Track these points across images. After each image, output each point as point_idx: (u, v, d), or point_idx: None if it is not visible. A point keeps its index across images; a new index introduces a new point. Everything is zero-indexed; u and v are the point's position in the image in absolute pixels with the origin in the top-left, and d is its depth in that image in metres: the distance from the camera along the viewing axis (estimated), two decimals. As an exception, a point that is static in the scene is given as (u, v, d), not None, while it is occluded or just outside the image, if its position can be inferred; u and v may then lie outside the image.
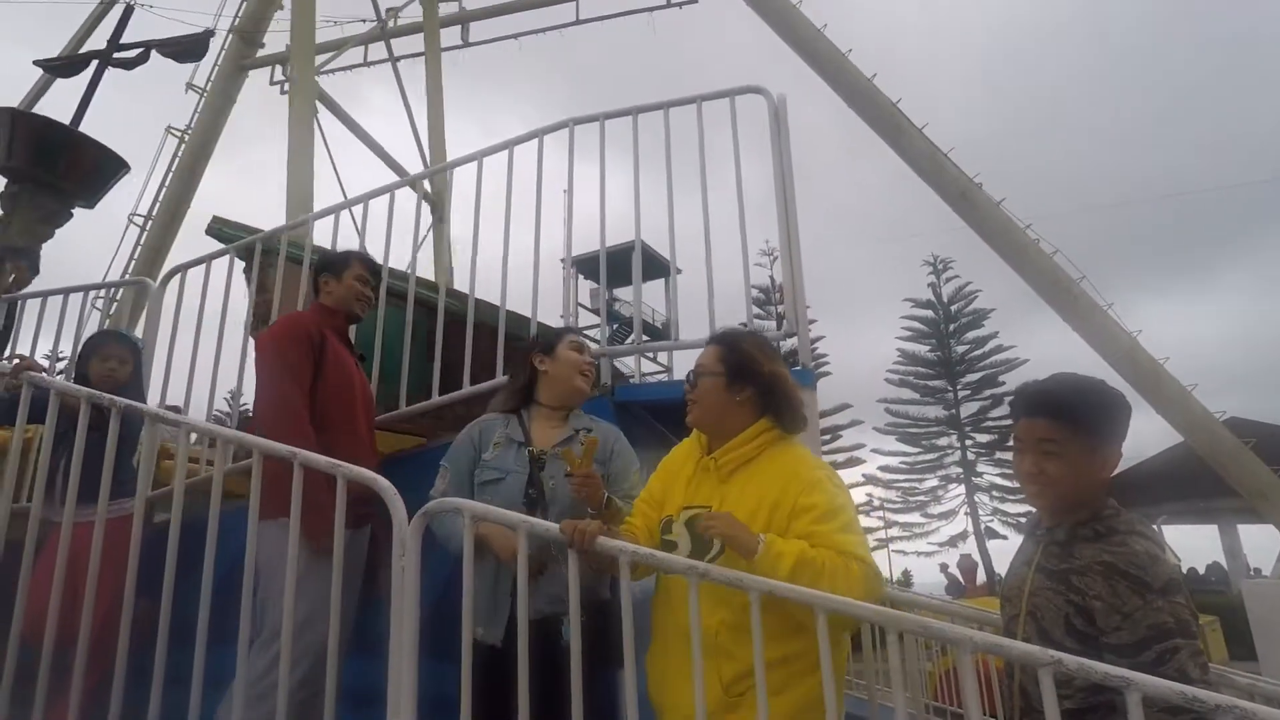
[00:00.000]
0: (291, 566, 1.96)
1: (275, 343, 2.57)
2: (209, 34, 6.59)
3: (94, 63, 6.31)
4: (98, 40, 12.21)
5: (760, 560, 1.59)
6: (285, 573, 1.98)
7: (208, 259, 3.75)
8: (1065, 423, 1.57)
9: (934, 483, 30.99)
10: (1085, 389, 1.61)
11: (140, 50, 6.33)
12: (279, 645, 1.97)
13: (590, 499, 2.02)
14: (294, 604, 1.96)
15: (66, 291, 4.18)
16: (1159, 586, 1.40)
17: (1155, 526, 14.24)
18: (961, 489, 30.10)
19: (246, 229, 3.89)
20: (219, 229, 3.92)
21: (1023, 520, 27.43)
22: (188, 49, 6.62)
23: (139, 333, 3.90)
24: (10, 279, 3.85)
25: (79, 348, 3.35)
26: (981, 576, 18.18)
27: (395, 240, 3.59)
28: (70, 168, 5.40)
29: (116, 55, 6.26)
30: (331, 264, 2.91)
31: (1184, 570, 15.41)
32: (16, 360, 2.64)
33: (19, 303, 3.90)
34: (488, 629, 1.99)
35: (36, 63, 7.27)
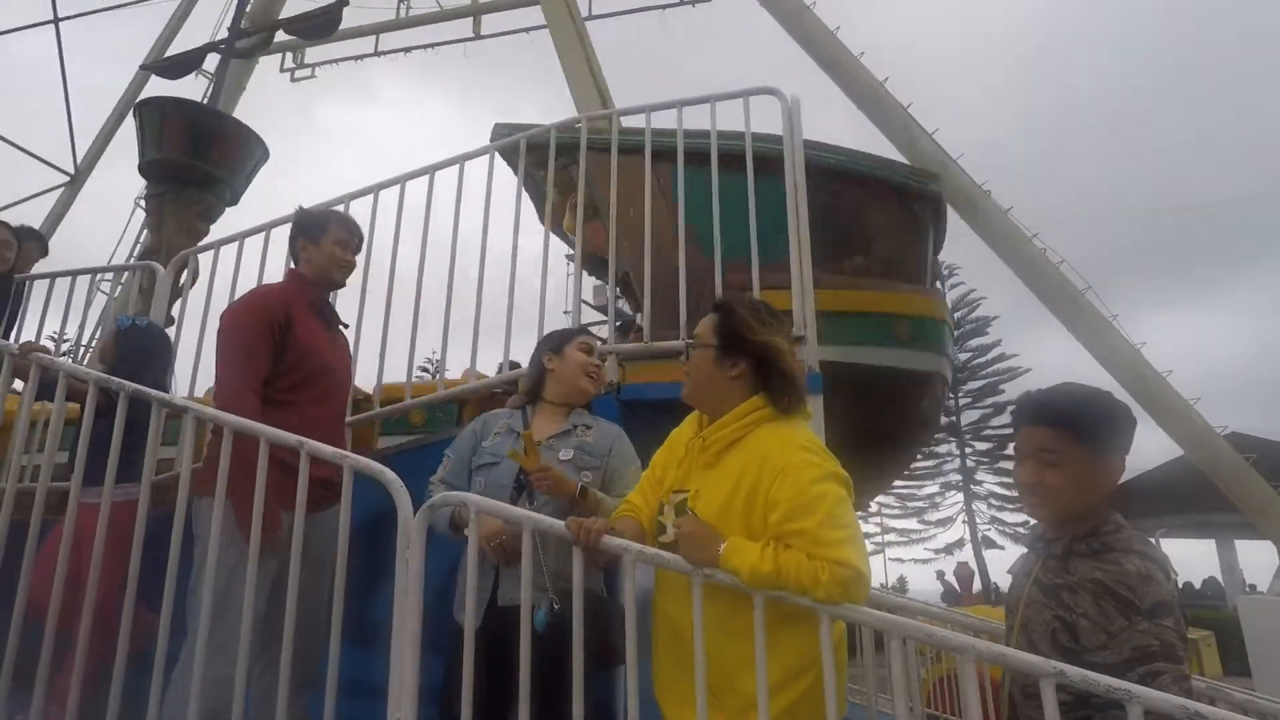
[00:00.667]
0: (295, 558, 1.96)
1: (233, 326, 2.42)
2: (342, 4, 6.26)
3: (206, 58, 6.06)
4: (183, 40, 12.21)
5: (722, 569, 1.55)
6: (219, 555, 2.02)
7: (217, 245, 3.76)
8: (1067, 432, 1.54)
9: (932, 489, 30.98)
10: (1089, 399, 1.58)
11: (263, 35, 6.05)
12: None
13: (556, 491, 2.07)
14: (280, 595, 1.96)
15: (74, 274, 4.19)
16: (1146, 608, 1.38)
17: (1154, 540, 14.24)
18: (960, 497, 30.09)
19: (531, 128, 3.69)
20: (506, 132, 3.74)
21: (1021, 530, 27.43)
22: (319, 24, 6.34)
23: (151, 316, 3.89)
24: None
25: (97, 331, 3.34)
26: (977, 585, 18.20)
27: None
28: (223, 154, 5.18)
29: (239, 44, 5.99)
30: (308, 227, 2.70)
31: (1180, 585, 15.38)
32: (24, 343, 2.65)
33: (28, 283, 3.90)
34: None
35: (144, 67, 7.04)
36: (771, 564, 1.50)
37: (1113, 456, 1.56)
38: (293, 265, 2.73)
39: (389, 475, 1.89)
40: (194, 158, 5.10)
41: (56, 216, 12.63)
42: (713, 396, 1.77)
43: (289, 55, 13.58)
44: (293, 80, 13.94)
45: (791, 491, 1.56)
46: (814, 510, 1.53)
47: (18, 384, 2.67)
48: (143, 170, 5.20)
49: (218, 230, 4.93)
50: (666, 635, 1.73)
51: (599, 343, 2.51)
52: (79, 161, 12.70)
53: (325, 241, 2.65)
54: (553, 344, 2.45)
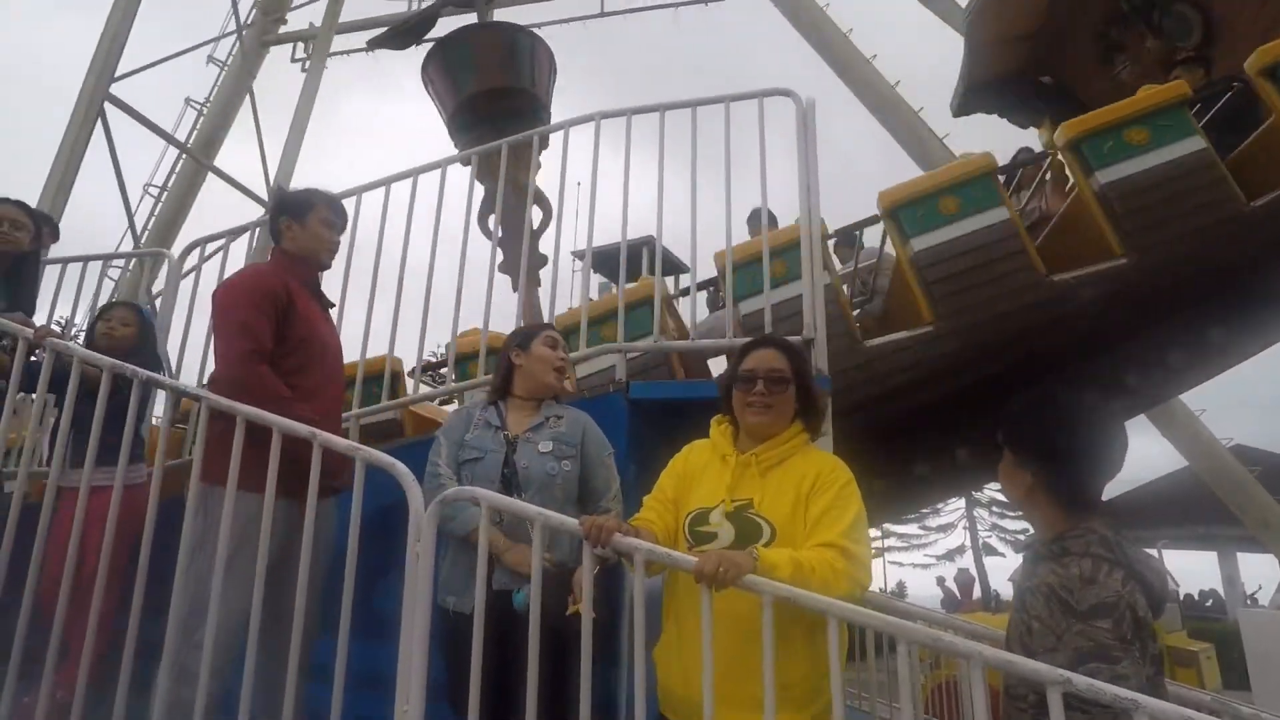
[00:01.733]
0: (305, 551, 1.97)
1: (233, 304, 2.33)
2: None
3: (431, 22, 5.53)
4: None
5: (758, 572, 1.62)
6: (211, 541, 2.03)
7: (229, 235, 3.77)
8: (1001, 435, 1.67)
9: (933, 494, 30.82)
10: (1032, 406, 1.66)
11: None
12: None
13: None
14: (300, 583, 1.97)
15: (85, 260, 4.20)
16: (1083, 610, 1.41)
17: (1155, 550, 14.20)
18: (961, 503, 30.04)
19: None
20: None
21: (1021, 537, 27.39)
22: None
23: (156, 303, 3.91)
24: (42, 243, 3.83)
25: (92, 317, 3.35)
26: (977, 592, 18.19)
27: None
28: (538, 73, 4.73)
29: None
30: (292, 205, 2.60)
31: (1181, 595, 15.32)
32: (39, 327, 2.66)
33: (41, 268, 3.91)
34: (460, 599, 2.12)
35: (371, 43, 6.64)
36: (802, 558, 1.67)
37: (1028, 463, 1.61)
38: (274, 244, 2.62)
39: (400, 468, 1.90)
40: (516, 83, 4.65)
41: (261, 250, 11.53)
42: (781, 426, 1.98)
43: (299, 46, 13.59)
44: (303, 70, 13.97)
45: (830, 495, 1.84)
46: (845, 511, 1.81)
47: None
48: (456, 117, 4.66)
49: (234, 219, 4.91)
50: (724, 632, 1.68)
51: (562, 338, 2.58)
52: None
53: (311, 221, 2.57)
54: (519, 340, 2.52)
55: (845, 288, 4.58)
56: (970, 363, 4.02)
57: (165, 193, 12.55)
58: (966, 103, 6.99)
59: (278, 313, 2.33)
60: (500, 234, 3.67)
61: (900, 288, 4.46)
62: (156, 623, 2.08)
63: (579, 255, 4.38)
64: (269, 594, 2.04)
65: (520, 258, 3.68)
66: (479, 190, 3.55)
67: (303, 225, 2.56)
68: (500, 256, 3.90)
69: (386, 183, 3.50)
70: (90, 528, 2.26)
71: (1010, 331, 3.99)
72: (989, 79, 6.77)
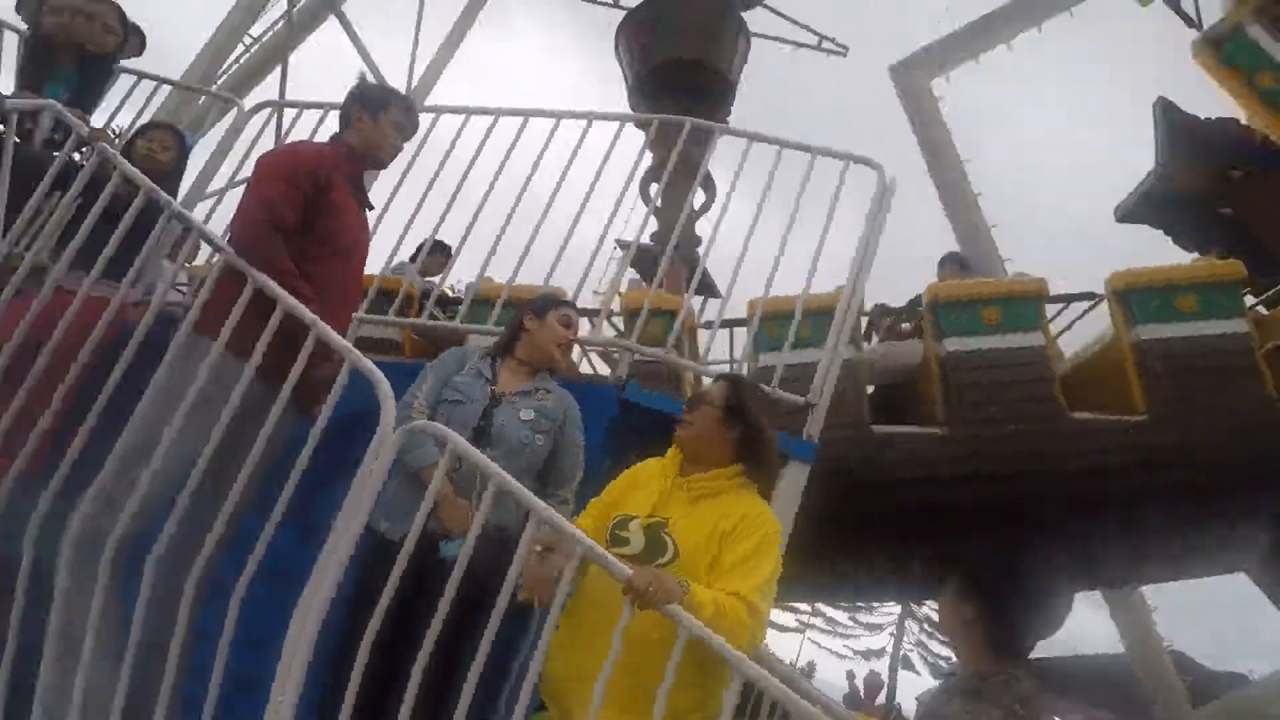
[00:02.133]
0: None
1: (269, 175, 2.33)
2: None
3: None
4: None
5: (683, 605, 1.67)
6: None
7: (302, 106, 3.79)
8: (959, 570, 1.82)
9: (874, 592, 30.66)
10: (997, 549, 1.94)
11: None
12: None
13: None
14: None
15: (158, 80, 4.21)
16: None
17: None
18: (896, 609, 29.85)
19: None
20: None
21: (942, 663, 27.23)
22: None
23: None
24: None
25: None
26: (881, 698, 18.09)
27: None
28: (735, 59, 4.92)
29: None
30: (369, 99, 2.59)
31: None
32: (94, 128, 2.67)
33: (113, 74, 3.91)
34: (392, 525, 2.11)
35: None
36: (725, 605, 1.72)
37: (970, 599, 1.73)
38: (339, 132, 2.62)
39: (384, 385, 1.89)
40: (715, 61, 4.61)
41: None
42: (705, 449, 2.05)
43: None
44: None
45: (749, 546, 1.87)
46: (759, 566, 1.85)
47: None
48: (646, 79, 4.71)
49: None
50: (605, 639, 1.71)
51: (577, 317, 2.63)
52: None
53: (383, 119, 2.56)
54: (536, 307, 2.55)
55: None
56: (1181, 462, 3.97)
57: (258, 45, 12.49)
58: (1135, 211, 6.89)
59: (310, 191, 2.32)
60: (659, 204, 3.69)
61: (1105, 367, 4.43)
62: (98, 448, 2.07)
63: (622, 244, 4.40)
64: (214, 461, 2.02)
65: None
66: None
67: (374, 121, 2.56)
68: (654, 225, 4.00)
69: (572, 115, 3.55)
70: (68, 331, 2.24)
71: (1238, 446, 3.90)
72: (1169, 194, 6.69)
